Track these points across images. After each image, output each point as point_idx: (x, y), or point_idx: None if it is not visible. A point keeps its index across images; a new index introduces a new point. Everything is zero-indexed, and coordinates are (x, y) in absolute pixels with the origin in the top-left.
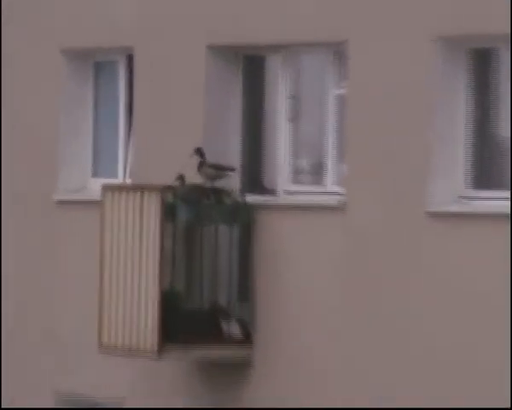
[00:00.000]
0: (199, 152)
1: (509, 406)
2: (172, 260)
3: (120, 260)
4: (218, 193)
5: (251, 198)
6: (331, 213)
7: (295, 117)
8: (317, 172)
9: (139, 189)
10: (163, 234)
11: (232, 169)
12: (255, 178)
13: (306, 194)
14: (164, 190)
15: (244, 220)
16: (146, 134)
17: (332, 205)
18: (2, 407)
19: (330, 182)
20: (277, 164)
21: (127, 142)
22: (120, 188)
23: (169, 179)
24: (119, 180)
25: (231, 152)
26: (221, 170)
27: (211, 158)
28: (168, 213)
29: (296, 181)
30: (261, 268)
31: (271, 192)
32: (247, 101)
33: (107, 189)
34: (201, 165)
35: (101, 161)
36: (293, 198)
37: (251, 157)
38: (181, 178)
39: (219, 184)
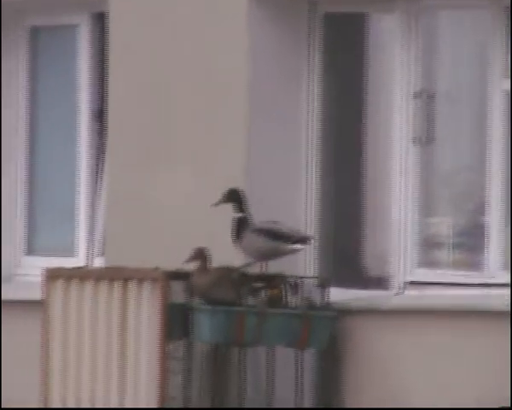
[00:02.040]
0: (235, 198)
1: (508, 405)
2: None
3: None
4: (276, 286)
5: (338, 296)
6: (497, 320)
7: (429, 136)
8: (471, 243)
9: (120, 276)
10: (165, 365)
11: (305, 239)
12: (348, 257)
13: (448, 287)
14: (168, 278)
15: (323, 340)
16: (131, 172)
17: (497, 309)
18: (3, 407)
19: (495, 263)
20: (391, 231)
21: (94, 190)
22: (83, 275)
23: (176, 261)
24: (79, 261)
25: (300, 206)
26: (280, 239)
27: (261, 216)
28: (176, 324)
29: (429, 264)
30: None
31: (379, 285)
32: (329, 103)
33: (54, 276)
34: (241, 227)
35: (42, 228)
36: (424, 298)
37: (338, 218)
38: (200, 255)
39: (276, 267)
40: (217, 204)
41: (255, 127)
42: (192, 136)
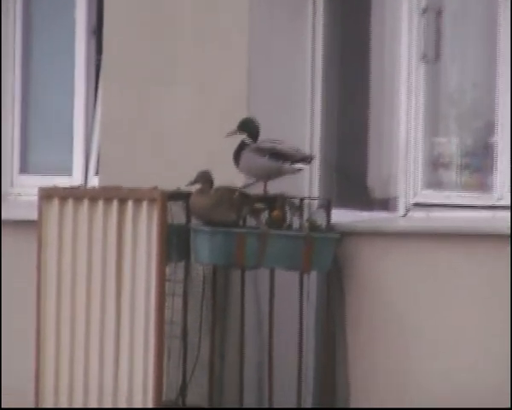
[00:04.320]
0: (249, 129)
1: (508, 406)
2: (183, 338)
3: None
4: (278, 207)
5: (342, 218)
6: (504, 244)
7: (437, 54)
8: (478, 164)
9: (116, 196)
10: (163, 288)
11: (306, 159)
12: (351, 178)
13: (456, 209)
14: (166, 198)
15: (326, 263)
16: (128, 91)
17: (504, 232)
18: (3, 407)
19: (503, 185)
20: (397, 151)
21: (90, 111)
22: (78, 194)
23: (175, 181)
24: (74, 180)
25: (303, 124)
26: (281, 159)
27: (264, 136)
28: (175, 245)
29: (436, 185)
30: (361, 352)
31: (385, 207)
32: (334, 19)
33: (48, 195)
34: (243, 149)
35: (37, 147)
36: (431, 220)
37: (342, 138)
38: (204, 179)
39: (277, 188)
40: (230, 134)
41: (257, 46)
42: (192, 55)
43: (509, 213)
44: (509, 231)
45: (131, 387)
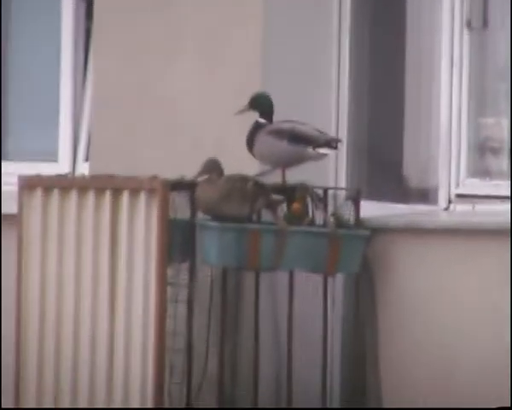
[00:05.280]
0: (262, 105)
1: (508, 405)
2: (188, 351)
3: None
4: (298, 200)
5: (373, 212)
6: None
7: (484, 19)
8: None
9: (110, 186)
10: (164, 293)
11: (332, 142)
12: (384, 165)
13: (506, 202)
14: (168, 188)
15: (354, 264)
16: (123, 62)
17: None
18: (3, 407)
19: None
20: (437, 134)
21: (78, 87)
22: (66, 184)
23: (179, 169)
24: (60, 168)
25: (328, 103)
26: (303, 142)
27: (281, 117)
28: (177, 243)
29: (483, 173)
30: (395, 368)
31: (423, 199)
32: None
33: (31, 185)
34: (258, 131)
35: (18, 129)
36: (476, 214)
37: (374, 118)
38: (213, 168)
39: (298, 177)
40: (240, 112)
41: (274, 10)
42: (199, 17)
43: None
44: None
45: (127, 406)
